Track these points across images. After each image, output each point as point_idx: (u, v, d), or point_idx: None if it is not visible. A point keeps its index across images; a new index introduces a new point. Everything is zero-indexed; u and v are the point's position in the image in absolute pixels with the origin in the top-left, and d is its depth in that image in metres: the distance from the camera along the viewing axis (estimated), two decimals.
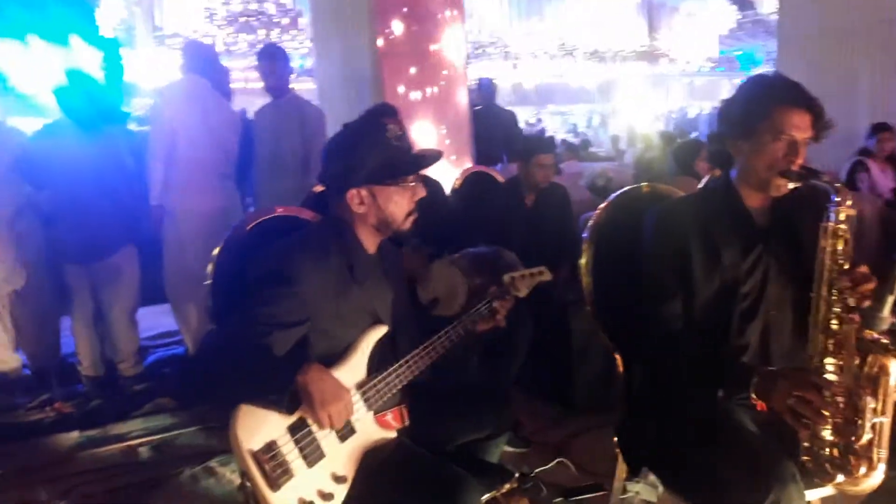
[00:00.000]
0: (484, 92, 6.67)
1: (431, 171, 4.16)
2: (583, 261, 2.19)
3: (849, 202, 1.57)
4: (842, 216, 1.58)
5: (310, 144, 4.00)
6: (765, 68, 16.13)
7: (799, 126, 1.68)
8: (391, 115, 2.98)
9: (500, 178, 4.21)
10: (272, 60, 4.07)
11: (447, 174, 4.32)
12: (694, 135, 8.93)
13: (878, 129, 5.18)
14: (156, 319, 4.74)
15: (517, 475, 2.67)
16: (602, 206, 2.27)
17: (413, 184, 1.74)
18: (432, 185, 3.25)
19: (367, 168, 1.68)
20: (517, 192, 3.68)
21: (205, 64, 3.95)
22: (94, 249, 3.68)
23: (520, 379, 3.40)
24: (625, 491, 2.51)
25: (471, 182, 4.11)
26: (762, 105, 1.71)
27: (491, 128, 6.06)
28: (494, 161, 5.73)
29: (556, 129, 18.81)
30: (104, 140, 3.69)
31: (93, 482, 2.79)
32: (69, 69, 3.97)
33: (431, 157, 1.78)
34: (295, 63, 10.82)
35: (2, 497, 2.73)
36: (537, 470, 2.76)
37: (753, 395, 1.58)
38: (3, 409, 3.53)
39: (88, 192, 3.58)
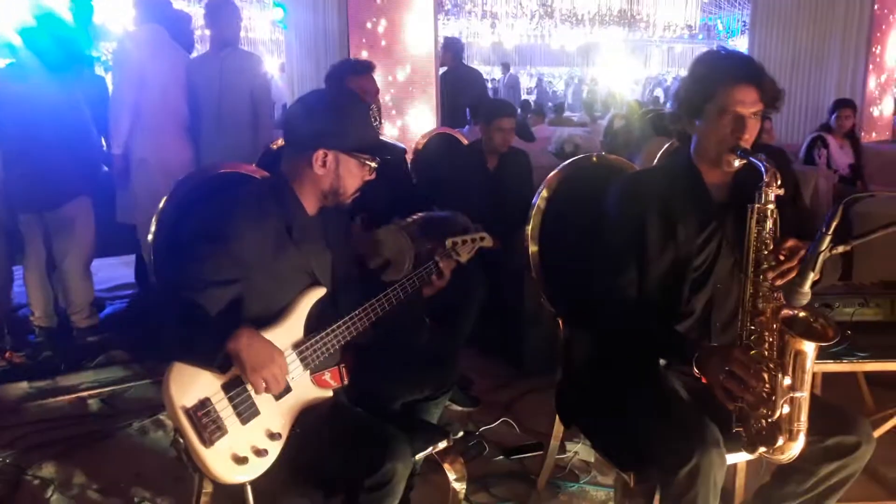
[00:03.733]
0: (451, 51, 6.53)
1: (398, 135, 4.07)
2: (528, 227, 2.23)
3: (777, 183, 1.60)
4: (770, 196, 1.61)
5: (256, 100, 3.93)
6: (743, 38, 16.14)
7: (744, 101, 1.70)
8: (364, 70, 2.97)
9: (465, 141, 4.19)
10: (217, 12, 3.98)
11: (411, 135, 4.30)
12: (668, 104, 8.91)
13: (840, 105, 5.23)
14: (113, 271, 4.70)
15: (461, 434, 2.75)
16: (551, 174, 2.29)
17: (373, 165, 1.76)
18: (396, 152, 3.22)
19: (349, 136, 1.70)
20: (479, 155, 3.67)
21: (159, 13, 3.86)
22: (47, 198, 3.60)
23: (474, 340, 3.45)
24: (564, 450, 2.60)
25: (434, 143, 4.09)
26: (706, 83, 1.74)
27: (458, 89, 5.98)
28: (461, 123, 5.68)
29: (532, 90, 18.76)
30: (63, 86, 3.59)
31: (40, 433, 2.78)
32: (37, 9, 3.85)
33: (395, 149, 1.87)
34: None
35: None
36: (482, 428, 2.83)
37: (696, 370, 1.64)
38: None
39: (44, 138, 3.48)
